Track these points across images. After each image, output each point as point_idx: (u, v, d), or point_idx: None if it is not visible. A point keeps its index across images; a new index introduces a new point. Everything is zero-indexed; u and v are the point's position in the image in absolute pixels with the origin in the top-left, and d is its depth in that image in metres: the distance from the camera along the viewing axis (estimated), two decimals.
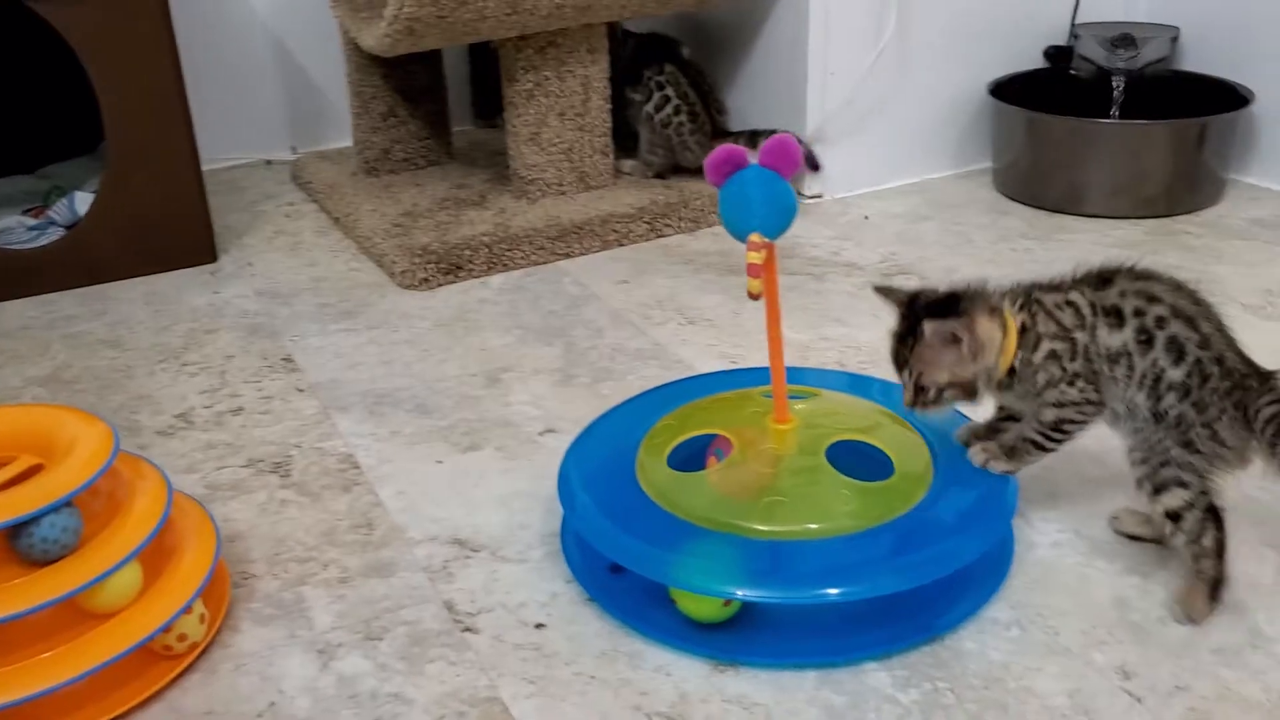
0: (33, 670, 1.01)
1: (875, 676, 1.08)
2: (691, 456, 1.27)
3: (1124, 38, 2.30)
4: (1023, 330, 1.16)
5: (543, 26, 2.04)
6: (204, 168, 2.06)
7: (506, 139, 2.21)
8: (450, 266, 1.98)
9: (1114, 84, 2.31)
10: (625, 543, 1.15)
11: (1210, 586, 1.13)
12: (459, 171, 2.41)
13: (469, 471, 1.43)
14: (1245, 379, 1.10)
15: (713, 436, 1.28)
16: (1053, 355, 1.15)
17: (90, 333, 1.84)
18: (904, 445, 1.25)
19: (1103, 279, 1.16)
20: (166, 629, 1.08)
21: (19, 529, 1.02)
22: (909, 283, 1.89)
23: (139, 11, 1.89)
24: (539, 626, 1.16)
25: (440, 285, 1.97)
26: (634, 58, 2.29)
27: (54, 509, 1.03)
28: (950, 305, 1.15)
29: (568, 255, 2.07)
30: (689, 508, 1.17)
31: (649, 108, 2.25)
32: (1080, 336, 1.15)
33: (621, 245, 2.13)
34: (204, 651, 1.13)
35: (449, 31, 1.97)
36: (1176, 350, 1.11)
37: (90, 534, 1.06)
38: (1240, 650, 1.09)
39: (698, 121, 2.25)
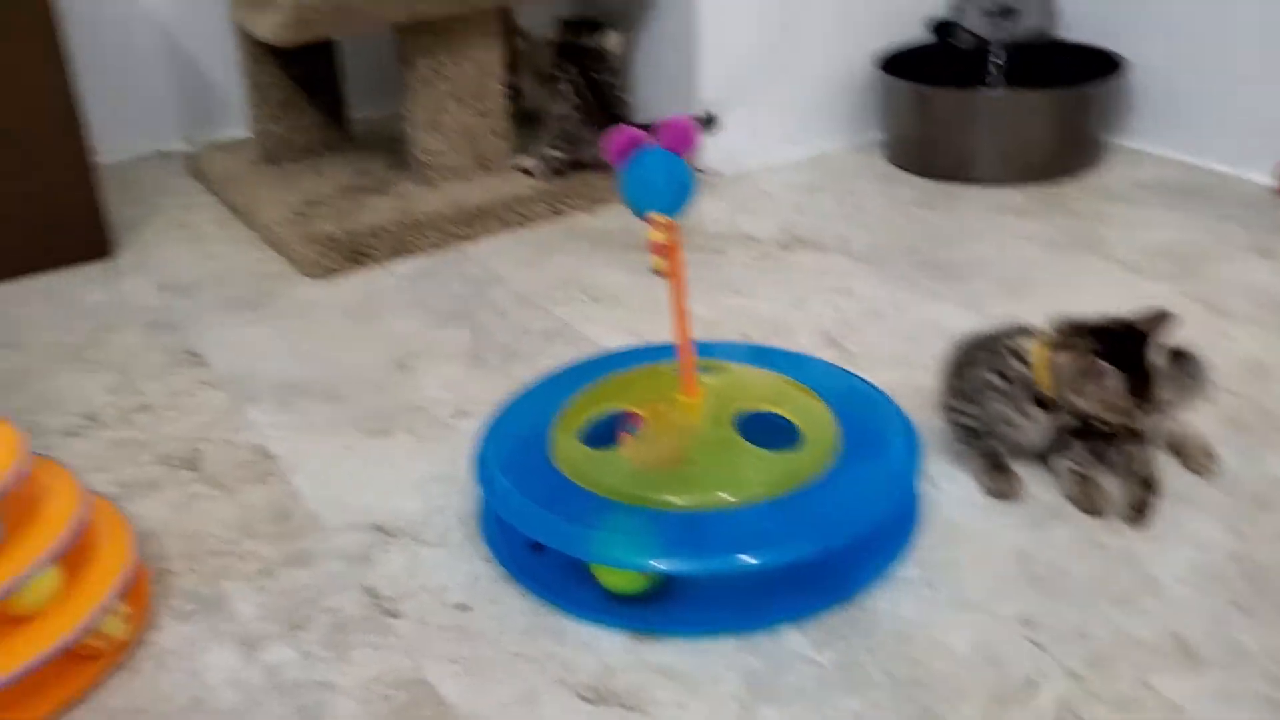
0: None
1: (792, 639, 1.12)
2: (604, 433, 1.30)
3: (1005, 9, 2.37)
4: None
5: (437, 13, 2.04)
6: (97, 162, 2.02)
7: (406, 125, 2.20)
8: (354, 254, 1.97)
9: (995, 54, 2.38)
10: (545, 521, 1.17)
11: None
12: (359, 158, 2.39)
13: (383, 457, 1.44)
14: None
15: (624, 413, 1.31)
16: None
17: None
18: (811, 415, 1.28)
19: None
20: (89, 629, 1.07)
21: None
22: (806, 252, 1.95)
23: (18, 3, 1.84)
24: (462, 608, 1.18)
25: (345, 273, 1.96)
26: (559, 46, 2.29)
27: None
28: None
29: (470, 239, 2.08)
30: (605, 483, 1.19)
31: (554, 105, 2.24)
32: None
33: (524, 226, 2.14)
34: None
35: (347, 19, 1.96)
36: None
37: (5, 538, 1.05)
38: (1136, 597, 1.15)
39: (588, 113, 2.23)
